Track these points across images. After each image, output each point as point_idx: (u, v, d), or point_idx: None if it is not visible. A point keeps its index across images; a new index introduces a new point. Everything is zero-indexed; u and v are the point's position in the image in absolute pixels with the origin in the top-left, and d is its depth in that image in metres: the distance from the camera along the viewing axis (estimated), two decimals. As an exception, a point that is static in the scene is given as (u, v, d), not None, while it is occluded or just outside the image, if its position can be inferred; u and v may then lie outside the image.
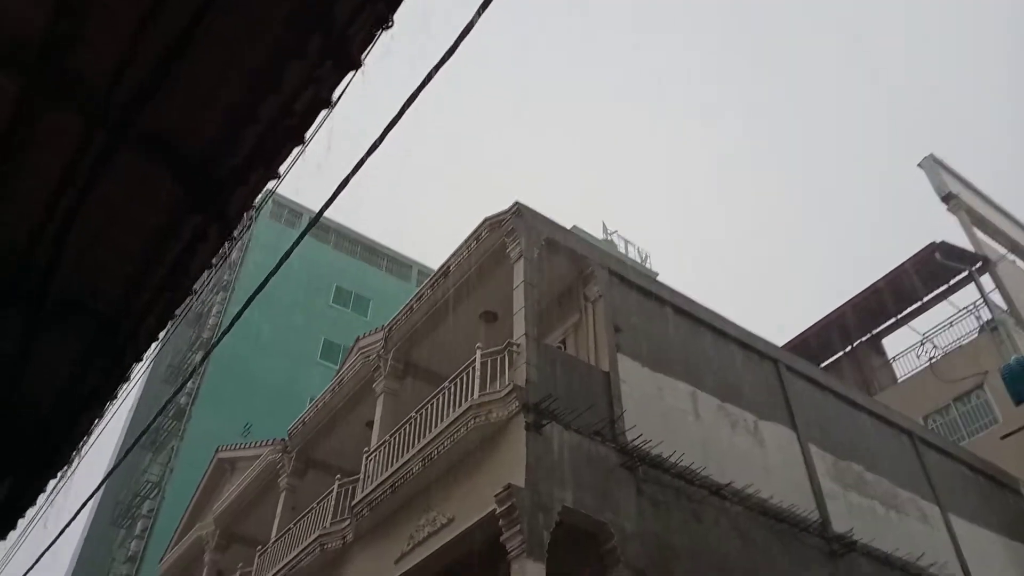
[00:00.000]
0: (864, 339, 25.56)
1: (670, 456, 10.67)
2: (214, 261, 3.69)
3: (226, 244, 3.60)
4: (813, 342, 25.32)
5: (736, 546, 10.70)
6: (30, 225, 3.46)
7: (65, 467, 4.80)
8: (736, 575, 10.38)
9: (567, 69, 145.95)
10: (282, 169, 3.43)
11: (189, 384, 32.07)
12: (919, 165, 25.21)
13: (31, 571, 10.66)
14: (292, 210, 40.21)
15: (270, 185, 3.50)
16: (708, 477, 10.97)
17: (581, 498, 9.46)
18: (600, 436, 10.24)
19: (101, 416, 4.41)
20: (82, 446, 4.59)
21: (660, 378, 11.88)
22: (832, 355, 26.03)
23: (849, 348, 25.78)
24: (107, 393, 4.22)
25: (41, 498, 5.04)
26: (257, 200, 3.52)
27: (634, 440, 10.44)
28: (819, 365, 23.20)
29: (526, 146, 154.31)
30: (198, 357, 34.24)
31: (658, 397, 11.62)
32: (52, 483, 4.91)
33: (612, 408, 10.71)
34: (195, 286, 3.82)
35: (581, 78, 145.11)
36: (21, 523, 5.31)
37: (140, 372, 4.47)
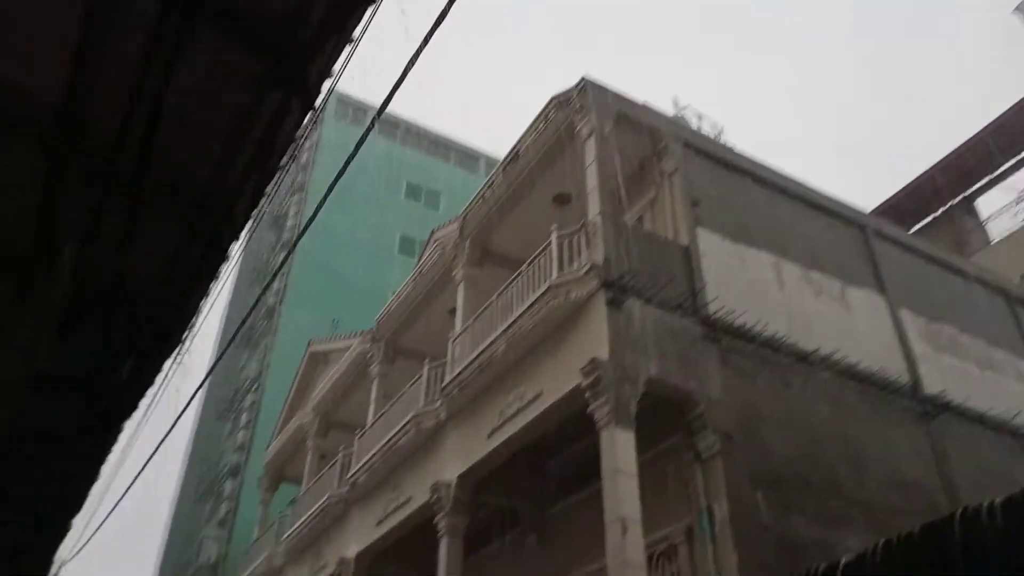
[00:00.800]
0: (956, 201, 24.38)
1: (754, 326, 10.59)
2: (298, 134, 3.73)
3: (309, 115, 3.62)
4: (903, 207, 24.32)
5: (825, 411, 10.70)
6: (120, 110, 3.54)
7: (178, 347, 5.11)
8: (826, 439, 10.42)
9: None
10: (356, 32, 3.39)
11: (276, 284, 33.29)
12: (1016, 10, 23.25)
13: (152, 458, 11.60)
14: (357, 108, 40.19)
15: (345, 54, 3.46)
16: (794, 345, 10.89)
17: (666, 368, 9.56)
18: (682, 309, 10.20)
19: (207, 295, 4.65)
20: (192, 325, 4.87)
21: (741, 249, 11.67)
22: (923, 219, 24.98)
23: (941, 211, 24.67)
24: (210, 273, 4.42)
25: (159, 379, 5.41)
26: (336, 67, 3.50)
27: (717, 312, 10.38)
28: (909, 230, 22.34)
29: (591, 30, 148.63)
30: (281, 258, 35.38)
31: (740, 268, 11.45)
32: (168, 363, 5.26)
33: (693, 281, 10.62)
34: (282, 162, 3.89)
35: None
36: (142, 405, 5.73)
37: (236, 254, 4.64)
